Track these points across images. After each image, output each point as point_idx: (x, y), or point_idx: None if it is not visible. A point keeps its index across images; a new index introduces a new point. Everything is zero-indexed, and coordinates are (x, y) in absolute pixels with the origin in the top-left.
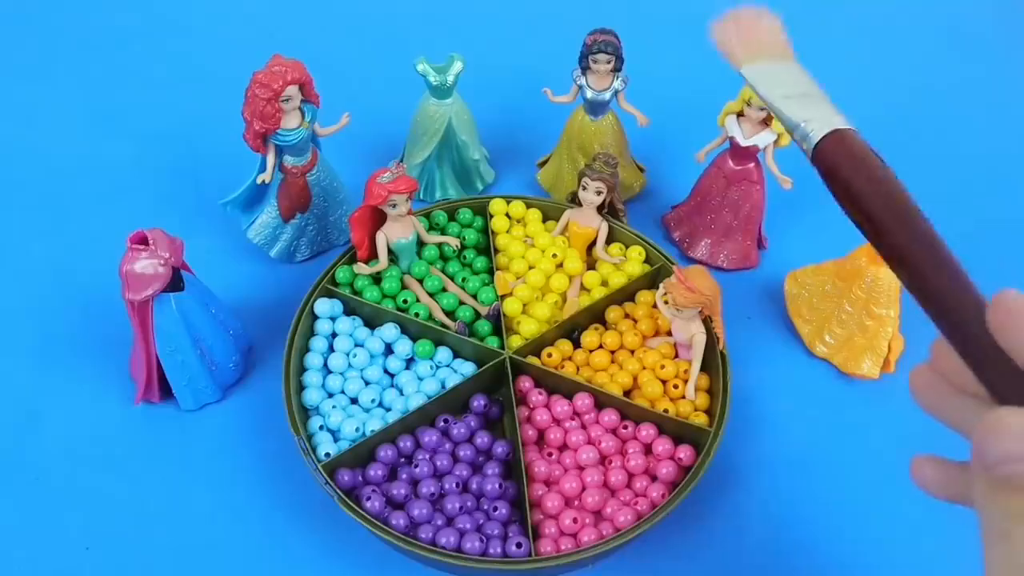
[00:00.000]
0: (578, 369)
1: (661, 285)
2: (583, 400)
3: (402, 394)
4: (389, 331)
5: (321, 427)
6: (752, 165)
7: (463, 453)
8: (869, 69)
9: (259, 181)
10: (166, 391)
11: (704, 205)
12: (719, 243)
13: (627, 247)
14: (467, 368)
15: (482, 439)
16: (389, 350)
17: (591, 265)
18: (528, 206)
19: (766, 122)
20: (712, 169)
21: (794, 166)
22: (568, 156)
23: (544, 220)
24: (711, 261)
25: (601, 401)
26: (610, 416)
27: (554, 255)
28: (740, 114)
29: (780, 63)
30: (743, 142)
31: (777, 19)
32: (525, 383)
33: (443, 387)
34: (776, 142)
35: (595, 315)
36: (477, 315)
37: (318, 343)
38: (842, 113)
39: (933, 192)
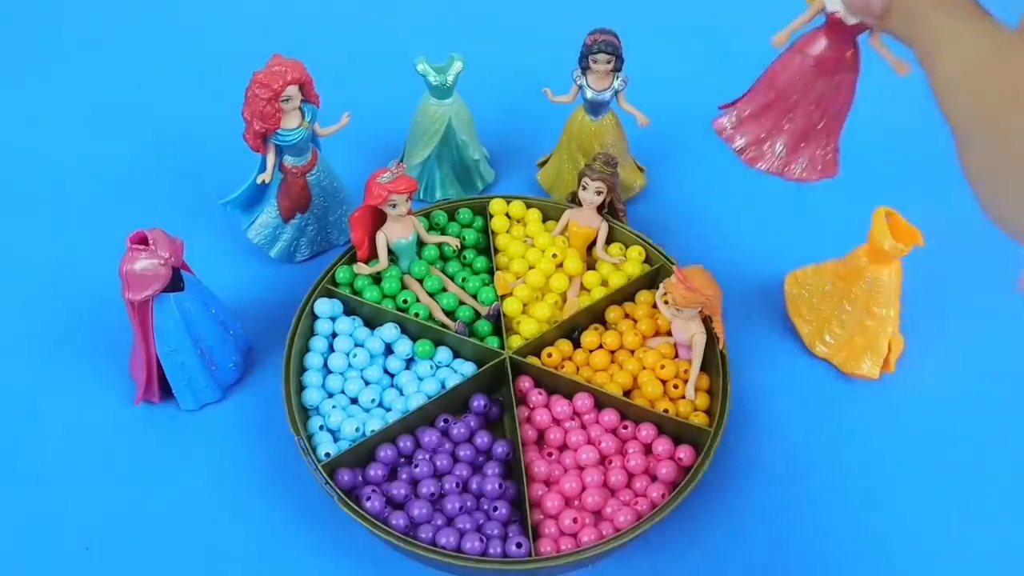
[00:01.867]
0: (578, 369)
1: (661, 285)
2: (583, 400)
3: (402, 394)
4: (389, 331)
5: (321, 427)
6: (851, 50)
7: (463, 453)
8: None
9: (259, 181)
10: (166, 391)
11: (780, 101)
12: (797, 148)
13: (627, 247)
14: (467, 368)
15: (482, 439)
16: (389, 350)
17: (591, 265)
18: (528, 206)
19: None
20: (794, 56)
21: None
22: (568, 156)
23: (544, 220)
24: (783, 171)
25: (601, 401)
26: (610, 416)
27: (554, 255)
28: None
29: None
30: (849, 18)
31: None
32: (525, 383)
33: (443, 387)
34: None
35: (595, 315)
36: (477, 315)
37: (318, 343)
38: None
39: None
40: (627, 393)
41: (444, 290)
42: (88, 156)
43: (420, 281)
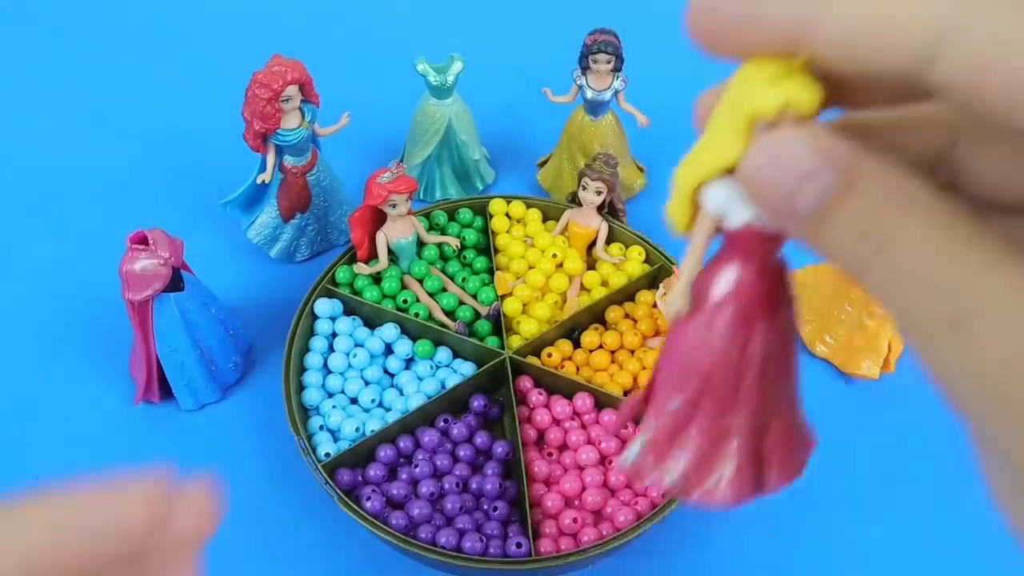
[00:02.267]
0: (578, 369)
1: (661, 285)
2: (583, 400)
3: (402, 394)
4: (389, 331)
5: (321, 427)
6: (780, 267)
7: (463, 453)
8: None
9: (259, 181)
10: (166, 391)
11: (715, 392)
12: (758, 451)
13: (627, 247)
14: (467, 368)
15: (482, 439)
16: (389, 350)
17: (591, 265)
18: (528, 206)
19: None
20: (709, 313)
21: None
22: (568, 156)
23: (544, 220)
24: (755, 492)
25: (601, 401)
26: (610, 416)
27: (554, 255)
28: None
29: None
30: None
31: None
32: (525, 383)
33: (443, 387)
34: None
35: (595, 315)
36: (477, 315)
37: (318, 343)
38: None
39: None
40: (627, 393)
41: (444, 290)
42: (88, 156)
43: (420, 281)
